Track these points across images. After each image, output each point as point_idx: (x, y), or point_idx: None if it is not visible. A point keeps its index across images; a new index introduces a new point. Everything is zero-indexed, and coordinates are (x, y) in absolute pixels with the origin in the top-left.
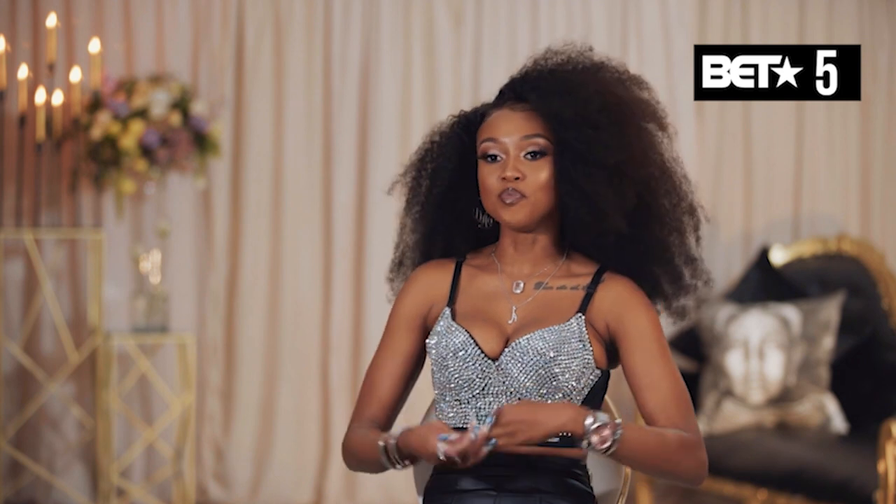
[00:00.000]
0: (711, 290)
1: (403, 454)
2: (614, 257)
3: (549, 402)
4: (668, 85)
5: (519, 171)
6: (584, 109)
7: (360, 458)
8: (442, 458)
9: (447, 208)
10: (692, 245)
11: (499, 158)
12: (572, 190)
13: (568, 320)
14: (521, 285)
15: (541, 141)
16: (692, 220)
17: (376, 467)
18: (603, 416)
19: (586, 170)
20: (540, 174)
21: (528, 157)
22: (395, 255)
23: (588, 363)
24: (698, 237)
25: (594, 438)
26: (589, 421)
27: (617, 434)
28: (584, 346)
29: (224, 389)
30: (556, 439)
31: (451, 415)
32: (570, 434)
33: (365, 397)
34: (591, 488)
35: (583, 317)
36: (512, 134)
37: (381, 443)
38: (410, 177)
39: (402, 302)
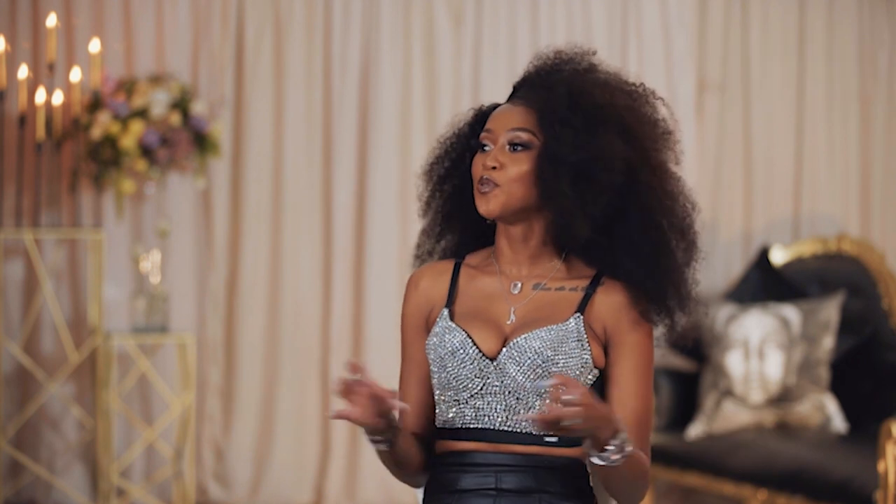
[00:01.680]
0: (703, 316)
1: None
2: (611, 267)
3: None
4: (668, 85)
5: (497, 161)
6: (557, 105)
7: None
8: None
9: (456, 204)
10: (689, 276)
11: (487, 148)
12: (543, 186)
13: (566, 320)
14: (519, 286)
15: (523, 135)
16: (689, 252)
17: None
18: (624, 434)
19: (554, 168)
20: (517, 166)
21: (511, 148)
22: (416, 251)
23: (586, 363)
24: (694, 269)
25: (613, 451)
26: (623, 436)
27: (627, 450)
28: (581, 345)
29: (224, 389)
30: (556, 438)
31: (451, 415)
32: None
33: None
34: (591, 487)
35: (581, 317)
36: (502, 125)
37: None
38: (434, 173)
39: (405, 310)
